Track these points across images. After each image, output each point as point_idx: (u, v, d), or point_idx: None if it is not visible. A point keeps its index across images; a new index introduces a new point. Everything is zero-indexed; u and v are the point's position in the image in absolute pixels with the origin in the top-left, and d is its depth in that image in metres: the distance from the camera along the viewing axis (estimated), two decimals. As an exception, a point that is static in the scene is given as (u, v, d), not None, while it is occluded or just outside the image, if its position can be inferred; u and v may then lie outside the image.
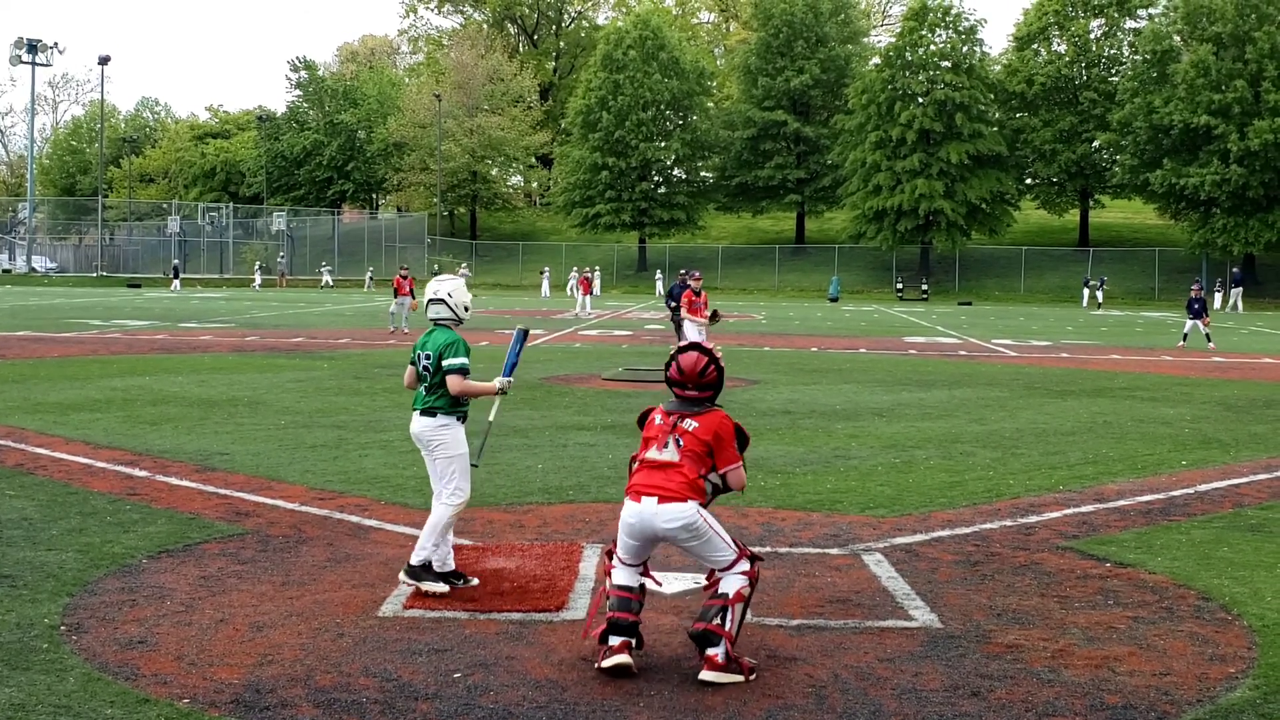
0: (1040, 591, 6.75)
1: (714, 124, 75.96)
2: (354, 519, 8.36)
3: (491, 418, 7.01)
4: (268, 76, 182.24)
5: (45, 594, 6.38)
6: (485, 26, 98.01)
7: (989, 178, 66.51)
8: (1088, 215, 71.70)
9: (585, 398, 15.94)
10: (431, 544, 6.60)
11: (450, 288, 6.83)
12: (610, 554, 5.59)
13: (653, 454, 5.48)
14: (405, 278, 29.55)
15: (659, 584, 5.91)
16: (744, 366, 20.41)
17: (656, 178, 76.74)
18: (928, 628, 6.06)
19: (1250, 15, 57.16)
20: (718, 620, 5.28)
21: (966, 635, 5.94)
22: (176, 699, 4.92)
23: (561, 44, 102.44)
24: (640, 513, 5.38)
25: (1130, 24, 68.12)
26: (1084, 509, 9.04)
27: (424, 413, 6.68)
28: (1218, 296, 55.41)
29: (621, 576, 5.48)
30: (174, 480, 9.62)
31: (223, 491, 9.21)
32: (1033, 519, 8.65)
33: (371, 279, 71.27)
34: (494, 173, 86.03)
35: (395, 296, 29.76)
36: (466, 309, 6.87)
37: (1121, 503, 9.31)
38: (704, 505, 5.41)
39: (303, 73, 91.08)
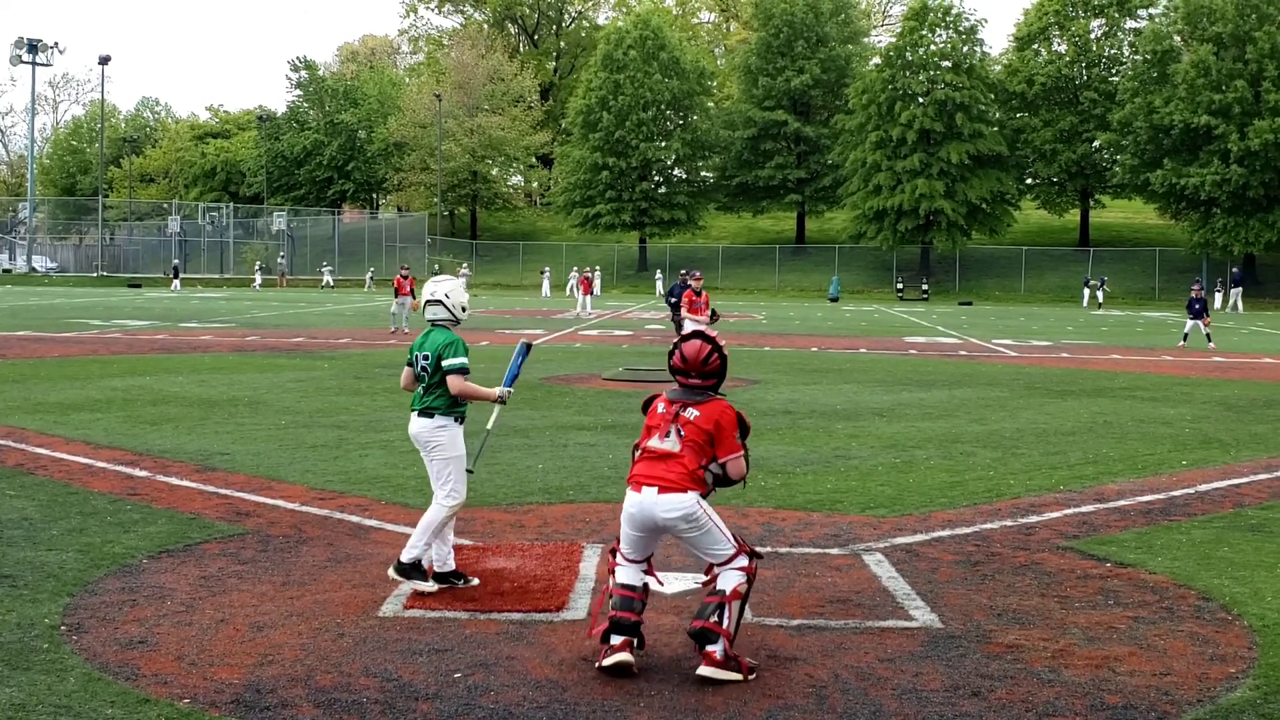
0: (1040, 591, 6.75)
1: (714, 124, 75.96)
2: (354, 519, 8.37)
3: (490, 425, 7.00)
4: (268, 76, 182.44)
5: (45, 594, 6.39)
6: (485, 26, 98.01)
7: (989, 178, 66.52)
8: (1088, 215, 71.70)
9: (585, 398, 15.94)
10: (423, 543, 6.60)
11: (447, 288, 6.84)
12: (614, 551, 5.59)
13: (654, 443, 5.48)
14: (406, 278, 29.57)
15: (661, 584, 5.91)
16: (744, 366, 20.41)
17: (657, 178, 76.74)
18: (928, 628, 6.06)
19: (1250, 15, 57.17)
20: (714, 618, 5.28)
21: (967, 635, 5.94)
22: (177, 699, 4.92)
23: (562, 44, 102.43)
24: (640, 502, 5.39)
25: (1130, 24, 68.16)
26: (1084, 509, 9.04)
27: (422, 413, 6.68)
28: (1218, 296, 55.41)
29: (625, 575, 5.48)
30: (174, 480, 9.62)
31: (223, 491, 9.21)
32: (1033, 519, 8.65)
33: (372, 279, 71.28)
34: (494, 173, 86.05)
35: (396, 296, 29.78)
36: (464, 309, 6.88)
37: (1122, 503, 9.31)
38: (704, 496, 5.42)
39: (303, 73, 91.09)
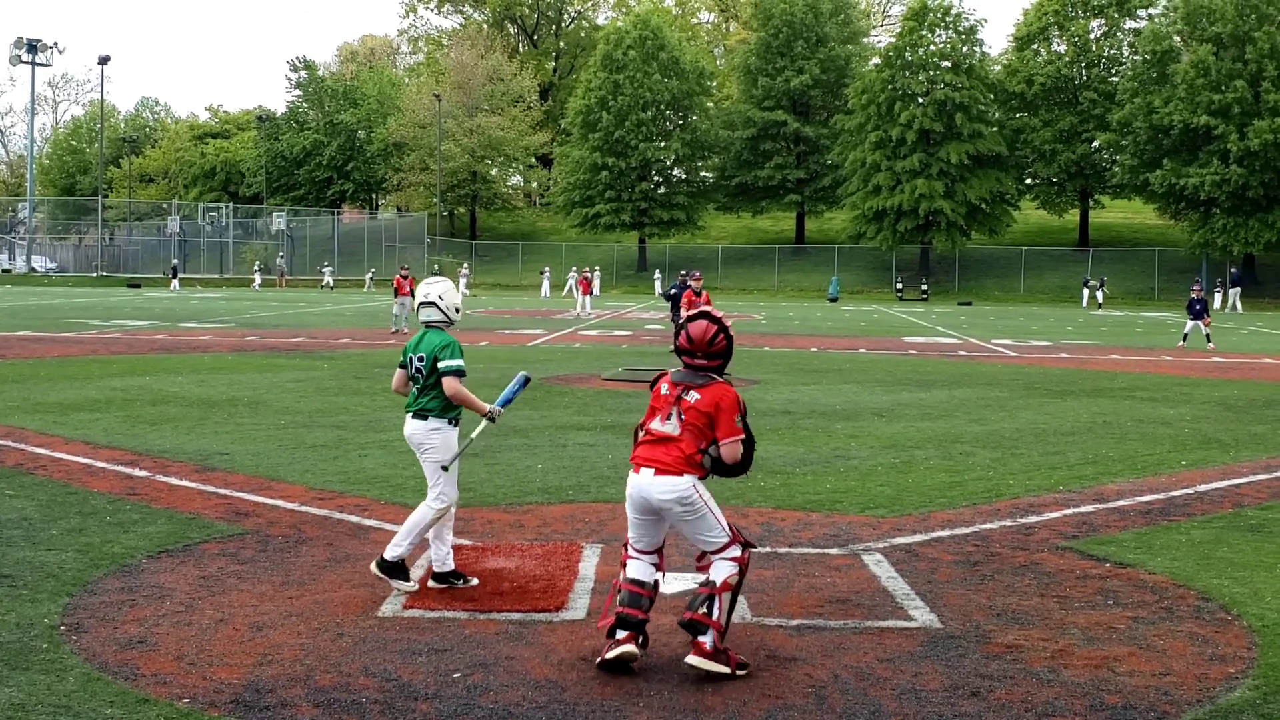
0: (1040, 591, 6.75)
1: (714, 124, 75.95)
2: (354, 519, 8.37)
3: (475, 434, 6.92)
4: (268, 76, 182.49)
5: (45, 594, 6.38)
6: (485, 26, 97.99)
7: (989, 178, 66.52)
8: (1088, 215, 71.71)
9: (585, 398, 15.94)
10: (408, 542, 6.59)
11: (440, 290, 6.85)
12: (626, 544, 5.61)
13: (656, 425, 5.51)
14: (405, 278, 29.57)
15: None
16: (744, 366, 20.40)
17: (656, 178, 76.71)
18: (927, 628, 6.06)
19: (1250, 15, 57.17)
20: (704, 609, 5.30)
21: (966, 635, 5.94)
22: (176, 699, 4.92)
23: (561, 44, 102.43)
24: (638, 483, 5.43)
25: (1130, 24, 68.14)
26: (1084, 509, 9.04)
27: (416, 415, 6.68)
28: (1217, 296, 55.42)
29: (635, 570, 5.50)
30: (174, 480, 9.62)
31: (223, 491, 9.21)
32: (1033, 519, 8.65)
33: (372, 279, 71.27)
34: (494, 173, 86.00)
35: (395, 296, 29.78)
36: (458, 310, 6.91)
37: (1121, 503, 9.31)
38: (702, 479, 5.42)
39: (302, 73, 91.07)
